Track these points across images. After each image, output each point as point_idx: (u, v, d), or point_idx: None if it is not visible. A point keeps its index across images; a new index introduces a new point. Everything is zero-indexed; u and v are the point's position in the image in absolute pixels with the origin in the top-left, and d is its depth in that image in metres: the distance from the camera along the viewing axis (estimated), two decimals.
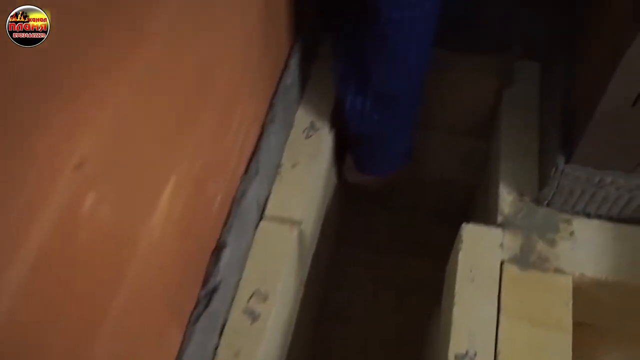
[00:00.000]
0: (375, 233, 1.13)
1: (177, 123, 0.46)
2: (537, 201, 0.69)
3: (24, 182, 0.30)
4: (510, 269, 0.66)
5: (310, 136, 0.77)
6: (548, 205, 0.69)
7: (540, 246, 0.67)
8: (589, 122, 0.58)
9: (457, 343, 0.60)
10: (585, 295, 0.66)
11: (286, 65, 0.72)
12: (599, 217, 0.68)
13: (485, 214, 0.79)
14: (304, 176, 0.73)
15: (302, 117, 0.78)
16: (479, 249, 0.67)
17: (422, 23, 0.62)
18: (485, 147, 0.93)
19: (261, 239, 0.69)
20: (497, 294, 0.64)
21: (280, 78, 0.71)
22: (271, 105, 0.69)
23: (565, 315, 0.62)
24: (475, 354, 0.59)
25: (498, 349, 0.60)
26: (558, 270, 0.65)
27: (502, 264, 0.66)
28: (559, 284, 0.64)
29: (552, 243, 0.67)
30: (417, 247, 1.11)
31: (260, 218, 0.70)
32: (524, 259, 0.66)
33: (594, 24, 0.66)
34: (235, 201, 0.62)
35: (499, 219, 0.69)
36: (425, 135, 0.93)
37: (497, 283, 0.64)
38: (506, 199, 0.71)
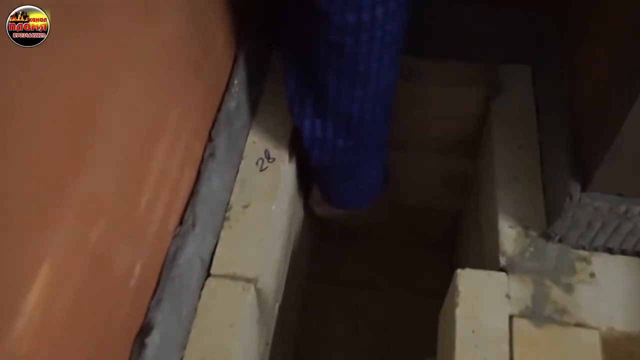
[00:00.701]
0: (352, 267, 0.99)
1: (56, 180, 0.32)
2: (547, 236, 0.57)
3: None
4: (522, 326, 0.52)
5: (265, 168, 0.63)
6: (560, 241, 0.56)
7: (556, 294, 0.54)
8: (611, 141, 0.46)
9: None
10: (616, 354, 0.52)
11: (228, 86, 0.58)
12: (623, 252, 0.56)
13: (481, 253, 0.66)
14: (259, 219, 0.59)
15: (254, 146, 0.64)
16: (481, 302, 0.54)
17: (387, 26, 0.48)
18: (470, 167, 0.80)
19: (208, 304, 0.54)
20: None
21: (221, 102, 0.57)
22: (210, 138, 0.55)
23: None
24: None
25: None
26: (580, 324, 0.52)
27: (511, 319, 0.53)
28: (583, 342, 0.51)
29: (569, 289, 0.54)
30: (398, 280, 0.97)
31: (207, 276, 0.56)
32: (538, 312, 0.53)
33: (591, 18, 0.54)
34: (166, 265, 0.48)
35: (502, 260, 0.56)
36: (400, 156, 0.80)
37: (508, 346, 0.51)
38: (508, 235, 0.57)
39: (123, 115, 0.39)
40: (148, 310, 0.46)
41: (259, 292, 0.57)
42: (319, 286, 0.97)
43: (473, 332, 0.52)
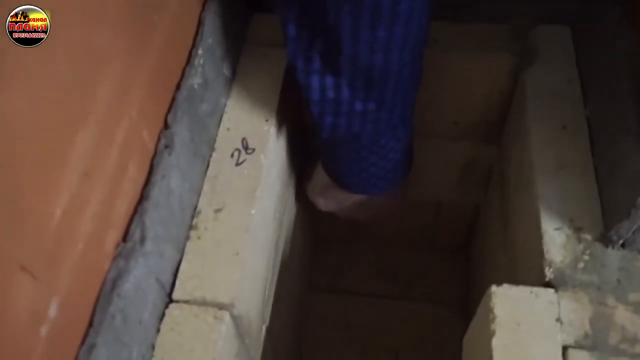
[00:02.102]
0: (355, 274, 0.87)
1: None
2: (606, 240, 0.44)
3: None
4: None
5: (243, 162, 0.50)
6: (624, 246, 0.43)
7: (623, 316, 0.41)
8: None
9: None
10: None
11: (190, 56, 0.45)
12: None
13: (514, 262, 0.53)
14: (235, 226, 0.46)
15: (228, 133, 0.51)
16: (525, 329, 0.41)
17: None
18: (493, 154, 0.67)
19: (170, 340, 0.42)
20: None
21: (181, 78, 0.44)
22: (166, 125, 0.42)
23: None
24: None
25: None
26: None
27: (565, 351, 0.40)
28: None
29: None
30: (410, 289, 0.85)
31: (168, 302, 0.43)
32: (601, 342, 0.40)
33: None
34: (102, 297, 0.35)
35: (548, 273, 0.43)
36: None
37: None
38: (555, 239, 0.45)
39: (15, 89, 0.26)
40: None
41: (237, 319, 0.45)
42: (317, 298, 0.84)
43: None
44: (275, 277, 0.59)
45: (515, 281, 0.44)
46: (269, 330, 0.58)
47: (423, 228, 0.83)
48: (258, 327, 0.54)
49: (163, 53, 0.41)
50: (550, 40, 0.56)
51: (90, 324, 0.34)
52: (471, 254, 0.82)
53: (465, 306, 0.81)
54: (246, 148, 0.50)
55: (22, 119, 0.28)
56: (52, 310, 0.31)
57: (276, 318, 0.60)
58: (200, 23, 0.47)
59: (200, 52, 0.46)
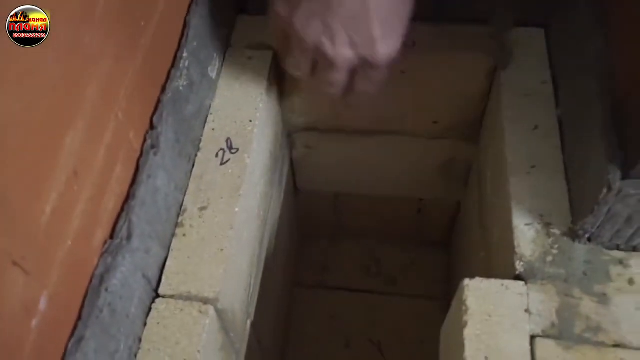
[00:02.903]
0: (340, 269, 0.89)
1: None
2: (573, 235, 0.46)
3: None
4: (548, 349, 0.42)
5: (227, 161, 0.52)
6: (590, 240, 0.46)
7: (588, 307, 0.44)
8: None
9: None
10: None
11: (175, 59, 0.47)
12: None
13: (490, 256, 0.56)
14: (219, 224, 0.48)
15: (213, 134, 0.53)
16: (495, 319, 0.43)
17: None
18: (472, 153, 0.69)
19: (156, 333, 0.44)
20: None
21: (167, 80, 0.46)
22: (152, 126, 0.44)
23: None
24: None
25: None
26: (620, 345, 0.42)
27: (532, 340, 0.42)
28: None
29: (604, 300, 0.44)
30: (393, 284, 0.87)
31: (155, 297, 0.45)
32: (566, 331, 0.43)
33: None
34: (90, 291, 0.37)
35: (519, 266, 0.46)
36: (391, 141, 0.70)
37: None
38: (526, 234, 0.47)
39: (6, 89, 0.28)
40: (65, 354, 0.35)
41: (221, 313, 0.47)
42: (304, 293, 0.86)
43: (486, 358, 0.41)
44: (260, 273, 0.61)
45: (491, 275, 0.46)
46: (254, 325, 0.60)
47: (406, 224, 0.85)
48: (243, 322, 0.55)
49: (149, 55, 0.43)
50: (525, 43, 0.58)
51: (79, 317, 0.36)
52: (452, 249, 0.85)
53: (447, 300, 0.83)
54: (230, 148, 0.52)
55: (14, 118, 0.29)
56: (42, 304, 0.32)
57: (262, 313, 0.62)
58: (185, 26, 0.48)
59: (185, 54, 0.48)
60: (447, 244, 0.86)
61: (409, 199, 0.80)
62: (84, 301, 0.36)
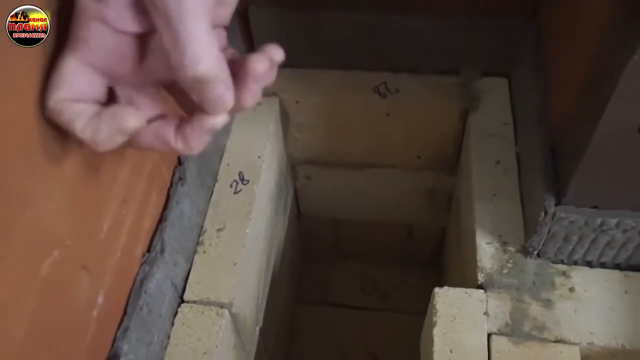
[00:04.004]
0: (339, 287, 0.98)
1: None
2: (525, 251, 0.56)
3: None
4: (501, 344, 0.51)
5: (240, 191, 0.62)
6: (539, 255, 0.55)
7: (535, 310, 0.53)
8: (582, 152, 0.45)
9: None
10: None
11: None
12: (602, 265, 0.55)
13: (462, 270, 0.65)
14: (233, 242, 0.58)
15: (228, 168, 0.64)
16: (459, 321, 0.53)
17: None
18: (451, 184, 0.79)
19: (181, 331, 0.53)
20: None
21: None
22: (179, 162, 0.54)
23: None
24: None
25: None
26: (560, 340, 0.51)
27: (489, 337, 0.52)
28: (563, 359, 0.50)
29: (548, 305, 0.53)
30: (387, 300, 0.96)
31: (180, 302, 0.55)
32: (517, 329, 0.52)
33: (562, 28, 0.54)
34: (133, 294, 0.47)
35: (480, 277, 0.55)
36: (383, 173, 0.80)
37: None
38: (486, 251, 0.57)
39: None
40: (114, 340, 0.45)
41: (234, 316, 0.56)
42: (306, 308, 0.95)
43: (451, 352, 0.51)
44: (267, 286, 0.71)
45: (463, 286, 0.56)
46: (262, 332, 0.69)
47: (399, 246, 0.95)
48: (252, 326, 0.65)
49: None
50: (490, 90, 0.68)
51: (125, 312, 0.46)
52: (440, 268, 0.94)
53: None
54: (242, 179, 0.63)
55: (92, 159, 0.39)
56: (100, 299, 0.42)
57: (269, 322, 0.72)
58: None
59: None
60: (435, 264, 0.96)
61: (399, 224, 0.90)
62: (128, 300, 0.46)
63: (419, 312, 0.93)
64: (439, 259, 0.95)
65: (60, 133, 0.33)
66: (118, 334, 0.45)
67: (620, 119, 0.41)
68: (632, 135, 0.42)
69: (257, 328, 0.68)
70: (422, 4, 0.64)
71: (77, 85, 0.31)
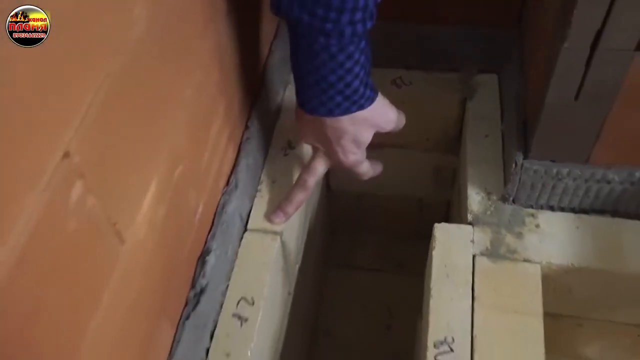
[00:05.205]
0: (360, 253, 1.17)
1: (154, 126, 0.50)
2: (504, 199, 0.74)
3: (11, 170, 0.30)
4: (482, 262, 0.69)
5: (287, 154, 0.81)
6: (514, 202, 0.73)
7: (509, 239, 0.71)
8: (539, 118, 0.64)
9: (435, 331, 0.63)
10: (555, 283, 0.69)
11: (258, 94, 0.78)
12: (561, 209, 0.73)
13: (458, 216, 0.83)
14: (282, 192, 0.77)
15: (279, 135, 0.83)
16: (452, 245, 0.71)
17: None
18: (455, 162, 0.98)
19: (246, 250, 0.72)
20: (471, 285, 0.67)
21: (255, 102, 0.77)
22: (247, 127, 0.74)
23: (535, 302, 0.65)
24: (453, 340, 0.62)
25: (474, 334, 0.63)
26: (526, 260, 0.69)
27: (474, 257, 0.70)
28: (528, 273, 0.68)
29: (519, 236, 0.71)
30: (401, 266, 1.14)
31: (244, 230, 0.74)
32: (495, 252, 0.70)
33: (534, 34, 0.73)
34: (218, 212, 0.66)
35: (469, 217, 0.74)
36: (395, 153, 0.98)
37: (471, 275, 0.68)
38: (475, 198, 0.75)
39: (193, 99, 0.58)
40: (206, 240, 0.64)
41: (283, 243, 0.75)
42: (331, 272, 1.14)
43: (445, 266, 0.69)
44: (306, 235, 0.90)
45: None
46: (300, 271, 0.88)
47: (410, 219, 1.13)
48: (294, 261, 0.84)
49: (246, 91, 0.73)
50: (484, 84, 0.87)
51: (212, 223, 0.65)
52: None
53: None
54: (290, 146, 0.82)
55: (200, 110, 0.59)
56: (200, 209, 0.62)
57: (305, 263, 0.90)
58: (262, 77, 0.79)
59: (263, 93, 0.78)
60: None
61: (411, 198, 1.08)
62: (214, 215, 0.66)
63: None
64: None
65: None
66: (209, 237, 0.64)
67: (561, 89, 0.60)
68: (570, 104, 0.60)
69: (297, 266, 0.86)
70: (429, 16, 0.84)
71: None
